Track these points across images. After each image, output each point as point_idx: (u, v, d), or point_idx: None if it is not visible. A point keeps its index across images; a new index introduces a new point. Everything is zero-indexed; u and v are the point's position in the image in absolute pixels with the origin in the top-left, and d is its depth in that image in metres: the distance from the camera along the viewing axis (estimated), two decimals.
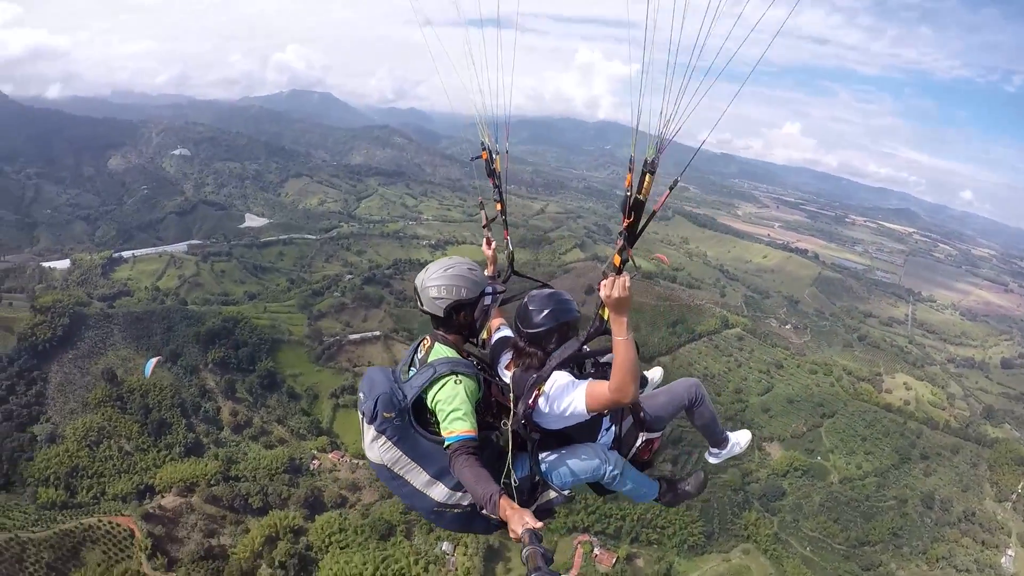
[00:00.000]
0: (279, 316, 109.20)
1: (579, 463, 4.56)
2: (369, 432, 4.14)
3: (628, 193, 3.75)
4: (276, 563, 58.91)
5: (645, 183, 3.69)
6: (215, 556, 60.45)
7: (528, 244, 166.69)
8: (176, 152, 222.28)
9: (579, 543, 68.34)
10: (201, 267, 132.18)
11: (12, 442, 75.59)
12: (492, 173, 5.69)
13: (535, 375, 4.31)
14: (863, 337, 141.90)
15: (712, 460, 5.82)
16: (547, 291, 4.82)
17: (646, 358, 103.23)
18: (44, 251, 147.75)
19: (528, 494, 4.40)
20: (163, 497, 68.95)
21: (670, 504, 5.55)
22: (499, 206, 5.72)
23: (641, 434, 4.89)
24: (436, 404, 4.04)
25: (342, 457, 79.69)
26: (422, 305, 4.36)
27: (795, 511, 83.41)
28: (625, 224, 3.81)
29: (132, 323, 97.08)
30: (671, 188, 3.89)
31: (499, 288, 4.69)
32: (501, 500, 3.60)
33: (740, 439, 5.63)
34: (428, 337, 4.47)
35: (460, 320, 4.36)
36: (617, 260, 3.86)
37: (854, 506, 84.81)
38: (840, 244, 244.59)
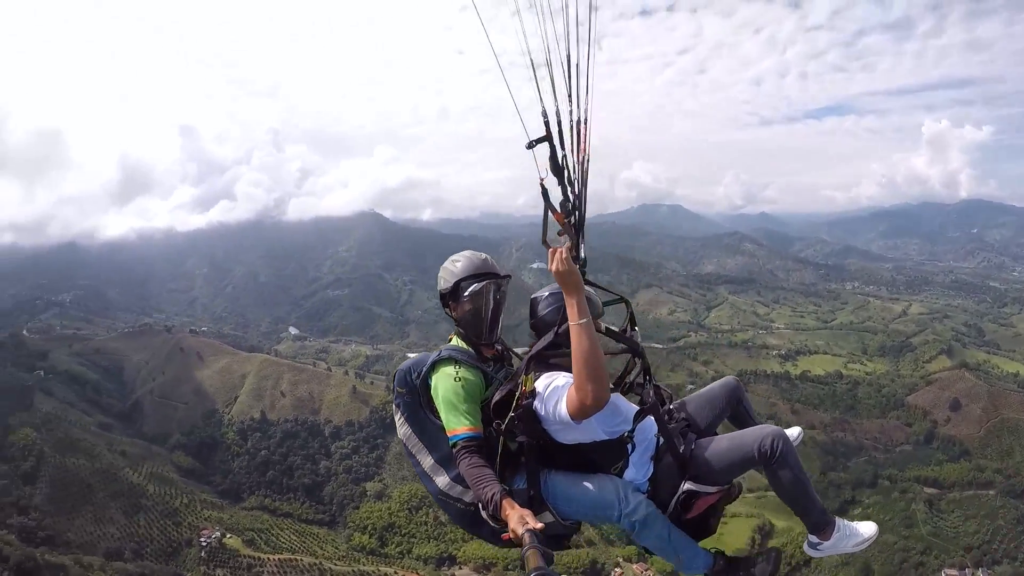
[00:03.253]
0: None
1: (588, 494, 4.06)
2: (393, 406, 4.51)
3: (531, 143, 3.75)
4: None
5: (581, 137, 3.71)
6: None
7: (888, 352, 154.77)
8: (534, 266, 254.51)
9: None
10: None
11: (345, 491, 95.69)
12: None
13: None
14: None
15: (811, 552, 4.40)
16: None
17: None
18: (412, 344, 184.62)
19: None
20: (460, 568, 75.64)
21: None
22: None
23: (685, 482, 4.06)
24: (438, 402, 4.07)
25: (646, 571, 77.21)
26: None
27: None
28: (540, 182, 3.84)
29: None
30: (586, 123, 3.78)
31: (491, 275, 4.47)
32: (503, 501, 3.56)
33: (863, 531, 4.19)
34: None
35: (450, 311, 4.42)
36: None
37: None
38: None
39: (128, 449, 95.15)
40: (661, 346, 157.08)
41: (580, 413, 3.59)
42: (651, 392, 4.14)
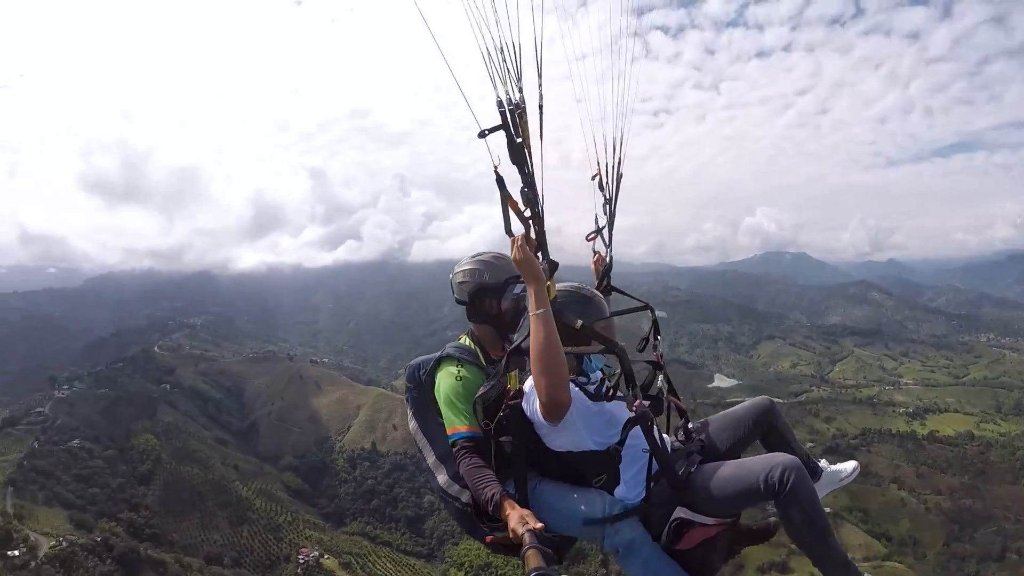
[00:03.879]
0: None
1: (574, 508, 3.82)
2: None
3: (483, 132, 3.67)
4: None
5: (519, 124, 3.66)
6: None
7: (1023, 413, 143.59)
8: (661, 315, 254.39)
9: None
10: None
11: (446, 526, 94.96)
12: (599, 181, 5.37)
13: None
14: None
15: None
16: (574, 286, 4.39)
17: None
18: None
19: None
20: None
21: None
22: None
23: (679, 509, 3.64)
24: (439, 400, 4.09)
25: None
26: (455, 295, 4.46)
27: None
28: (495, 170, 3.76)
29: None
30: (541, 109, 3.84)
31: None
32: (504, 501, 3.53)
33: None
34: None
35: (485, 307, 4.36)
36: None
37: None
38: None
39: (241, 465, 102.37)
40: (782, 400, 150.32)
41: (544, 412, 3.49)
42: (637, 401, 3.62)
